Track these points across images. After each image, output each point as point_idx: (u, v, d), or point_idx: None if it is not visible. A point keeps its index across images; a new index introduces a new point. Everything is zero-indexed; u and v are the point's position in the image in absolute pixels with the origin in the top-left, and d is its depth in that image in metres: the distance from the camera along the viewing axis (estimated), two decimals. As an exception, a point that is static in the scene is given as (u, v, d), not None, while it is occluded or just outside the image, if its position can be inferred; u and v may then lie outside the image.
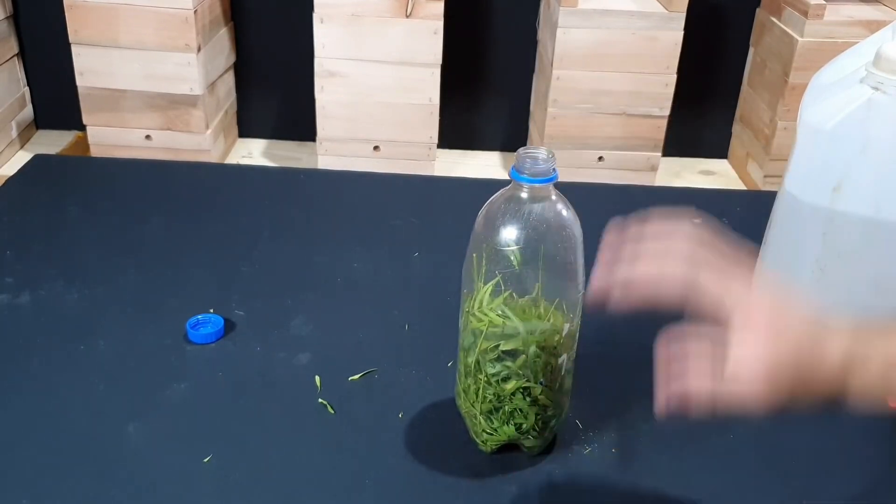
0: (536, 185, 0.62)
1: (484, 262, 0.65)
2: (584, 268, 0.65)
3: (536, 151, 0.63)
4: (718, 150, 2.62)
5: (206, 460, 0.70)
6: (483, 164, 2.56)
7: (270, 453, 0.71)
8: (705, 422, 0.76)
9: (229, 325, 0.86)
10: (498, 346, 0.66)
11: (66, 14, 2.10)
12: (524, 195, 0.63)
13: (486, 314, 0.66)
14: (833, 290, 0.83)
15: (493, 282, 0.65)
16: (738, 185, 2.48)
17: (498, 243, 0.64)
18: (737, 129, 2.56)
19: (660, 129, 2.28)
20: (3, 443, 0.71)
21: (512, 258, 0.64)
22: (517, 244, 0.64)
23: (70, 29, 2.12)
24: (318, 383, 0.79)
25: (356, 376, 0.80)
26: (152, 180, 1.17)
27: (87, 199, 1.10)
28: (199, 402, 0.76)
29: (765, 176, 2.30)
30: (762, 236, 0.88)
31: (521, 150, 0.63)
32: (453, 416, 0.75)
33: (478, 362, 0.67)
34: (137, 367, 0.80)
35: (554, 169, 0.63)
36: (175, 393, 0.77)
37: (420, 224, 1.07)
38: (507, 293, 0.65)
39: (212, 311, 0.87)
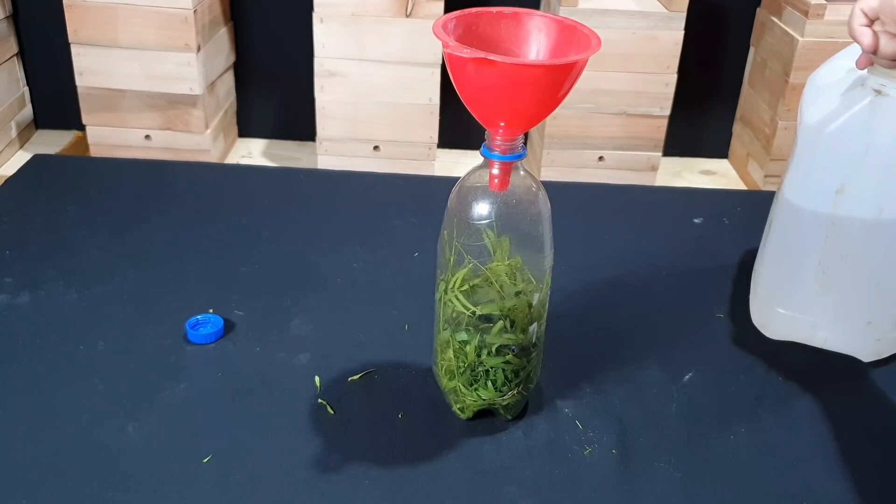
0: (506, 161, 0.65)
1: (455, 236, 0.68)
2: (552, 241, 0.68)
3: None
4: (719, 149, 2.61)
5: (206, 460, 0.70)
6: (483, 164, 2.55)
7: (270, 453, 0.71)
8: (705, 422, 0.76)
9: (229, 326, 0.86)
10: (474, 313, 0.69)
11: (66, 14, 2.10)
12: (495, 171, 0.66)
13: (457, 296, 0.69)
14: (835, 292, 0.83)
15: (470, 265, 0.68)
16: (739, 185, 2.48)
17: (470, 217, 0.67)
18: (737, 128, 2.56)
19: (660, 129, 2.28)
20: (3, 443, 0.71)
21: (483, 232, 0.67)
22: (488, 218, 0.67)
23: (69, 29, 2.12)
24: (317, 383, 0.79)
25: (356, 376, 0.80)
26: (152, 180, 1.17)
27: (87, 199, 1.10)
28: (199, 403, 0.76)
29: (765, 176, 2.30)
30: (762, 236, 0.88)
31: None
32: (453, 416, 0.75)
33: (454, 333, 0.70)
34: (137, 367, 0.80)
35: (523, 146, 0.65)
36: (175, 393, 0.77)
37: (420, 224, 1.07)
38: (471, 264, 0.68)
39: (211, 311, 0.87)
